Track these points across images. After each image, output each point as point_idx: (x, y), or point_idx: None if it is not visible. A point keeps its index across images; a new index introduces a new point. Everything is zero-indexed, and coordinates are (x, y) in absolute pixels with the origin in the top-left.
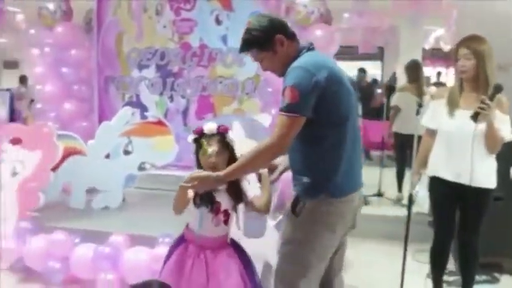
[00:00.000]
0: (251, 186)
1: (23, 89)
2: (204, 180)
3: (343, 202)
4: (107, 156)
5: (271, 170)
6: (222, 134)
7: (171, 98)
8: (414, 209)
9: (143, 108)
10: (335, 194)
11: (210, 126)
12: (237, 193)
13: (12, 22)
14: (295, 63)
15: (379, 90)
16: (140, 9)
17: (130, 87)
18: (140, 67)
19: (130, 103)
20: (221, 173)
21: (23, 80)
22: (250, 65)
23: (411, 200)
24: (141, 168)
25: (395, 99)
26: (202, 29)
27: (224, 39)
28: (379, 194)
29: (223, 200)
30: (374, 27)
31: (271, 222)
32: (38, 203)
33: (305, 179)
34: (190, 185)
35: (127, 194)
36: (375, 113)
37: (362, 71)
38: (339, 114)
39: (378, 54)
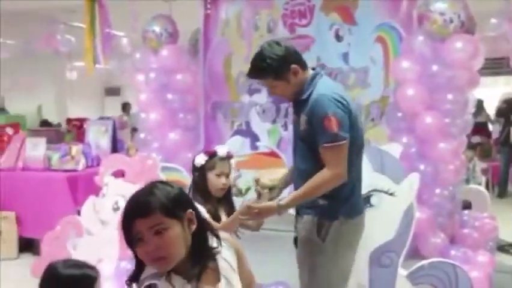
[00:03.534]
0: None
1: (125, 117)
2: (266, 210)
3: (358, 223)
4: None
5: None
6: (230, 158)
7: (285, 126)
8: None
9: (254, 138)
10: (351, 214)
11: (223, 149)
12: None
13: (115, 47)
14: (320, 91)
15: None
16: (250, 27)
17: (239, 114)
18: (251, 92)
19: (239, 132)
20: (283, 201)
21: (125, 107)
22: (375, 86)
23: None
24: None
25: None
26: (320, 47)
27: (345, 57)
28: None
29: None
30: None
31: (402, 272)
32: None
33: (321, 202)
34: (248, 216)
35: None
36: None
37: None
38: (356, 139)
39: None
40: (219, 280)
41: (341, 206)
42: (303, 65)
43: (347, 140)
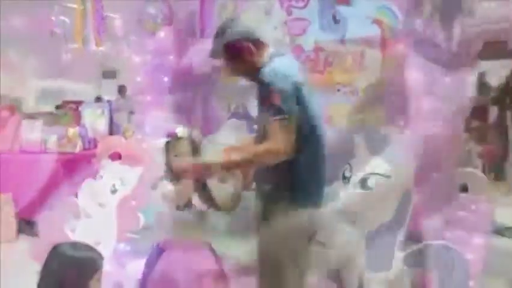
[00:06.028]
0: None
1: (121, 100)
2: (203, 168)
3: (304, 212)
4: None
5: None
6: (192, 138)
7: None
8: None
9: (251, 120)
10: (299, 203)
11: (181, 129)
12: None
13: (110, 29)
14: (270, 67)
15: None
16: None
17: (236, 97)
18: None
19: (236, 115)
20: (219, 161)
21: (121, 90)
22: (372, 69)
23: None
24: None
25: None
26: (316, 29)
27: (342, 39)
28: None
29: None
30: None
31: (399, 254)
32: (138, 224)
33: (266, 186)
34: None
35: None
36: None
37: None
38: (303, 122)
39: None
40: None
41: (286, 191)
42: (260, 46)
43: (294, 116)
